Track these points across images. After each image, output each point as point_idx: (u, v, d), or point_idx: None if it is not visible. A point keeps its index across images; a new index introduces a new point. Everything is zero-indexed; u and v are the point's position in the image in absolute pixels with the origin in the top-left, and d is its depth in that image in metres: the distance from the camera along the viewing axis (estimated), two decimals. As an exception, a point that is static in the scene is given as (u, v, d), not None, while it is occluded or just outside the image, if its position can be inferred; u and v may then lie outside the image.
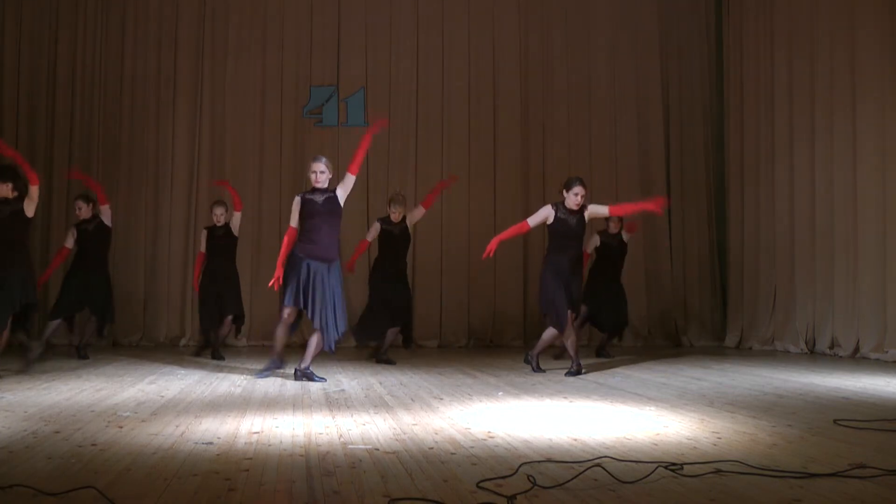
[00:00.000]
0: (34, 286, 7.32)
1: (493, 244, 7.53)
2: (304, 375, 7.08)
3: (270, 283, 7.09)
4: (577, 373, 7.49)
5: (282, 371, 7.47)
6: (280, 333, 7.24)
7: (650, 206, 7.87)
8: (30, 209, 7.13)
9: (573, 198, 7.49)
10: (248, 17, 11.66)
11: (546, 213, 7.60)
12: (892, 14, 9.12)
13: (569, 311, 7.48)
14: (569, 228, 7.52)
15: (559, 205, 7.57)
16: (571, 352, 7.64)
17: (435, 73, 11.81)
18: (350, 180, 7.15)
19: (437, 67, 11.82)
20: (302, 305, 7.00)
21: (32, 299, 7.17)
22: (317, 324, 6.98)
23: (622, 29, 12.06)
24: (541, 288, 7.63)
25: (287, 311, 7.08)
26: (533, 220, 7.66)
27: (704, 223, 12.05)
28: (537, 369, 7.77)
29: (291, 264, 7.02)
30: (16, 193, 7.10)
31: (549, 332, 7.66)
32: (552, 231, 7.62)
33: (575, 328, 7.69)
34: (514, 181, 11.75)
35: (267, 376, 7.26)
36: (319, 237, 7.02)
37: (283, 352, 7.45)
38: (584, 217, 7.58)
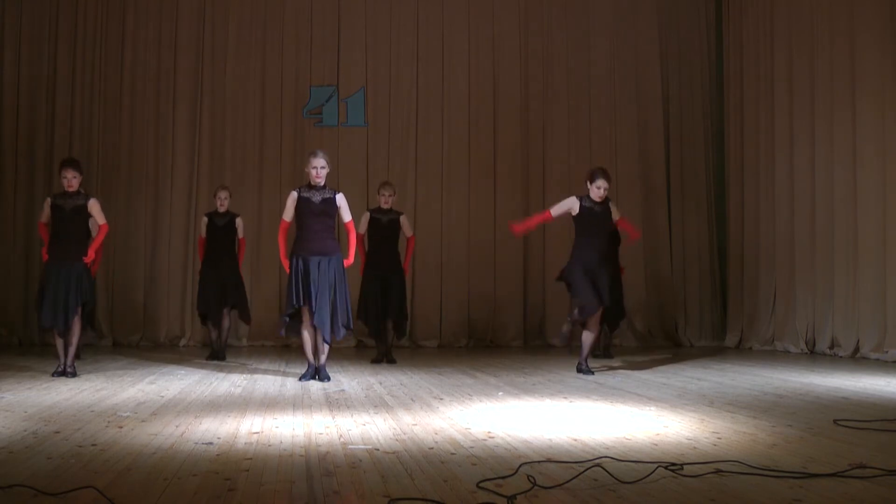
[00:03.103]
0: (92, 282, 7.57)
1: (516, 228, 7.89)
2: (318, 371, 7.11)
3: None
4: (586, 373, 7.46)
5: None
6: (305, 337, 7.11)
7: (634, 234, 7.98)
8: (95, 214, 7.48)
9: (596, 190, 7.48)
10: (248, 17, 11.65)
11: (570, 204, 7.57)
12: (892, 13, 9.12)
13: (598, 308, 7.40)
14: (595, 217, 7.48)
15: (584, 196, 7.55)
16: (585, 350, 7.66)
17: (435, 72, 11.80)
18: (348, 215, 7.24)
19: (438, 67, 11.81)
20: (303, 302, 6.97)
21: (89, 295, 7.42)
22: (315, 319, 6.95)
23: (622, 29, 12.05)
24: (571, 287, 7.53)
25: (305, 314, 7.01)
26: (556, 210, 7.63)
27: (704, 223, 12.05)
28: (587, 371, 7.65)
29: (291, 265, 7.02)
30: (81, 189, 7.44)
31: (587, 336, 7.61)
32: (578, 222, 7.56)
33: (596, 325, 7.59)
34: (514, 181, 11.75)
35: (308, 380, 7.08)
36: (313, 236, 7.02)
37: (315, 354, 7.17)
38: (609, 208, 7.58)
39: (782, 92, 10.78)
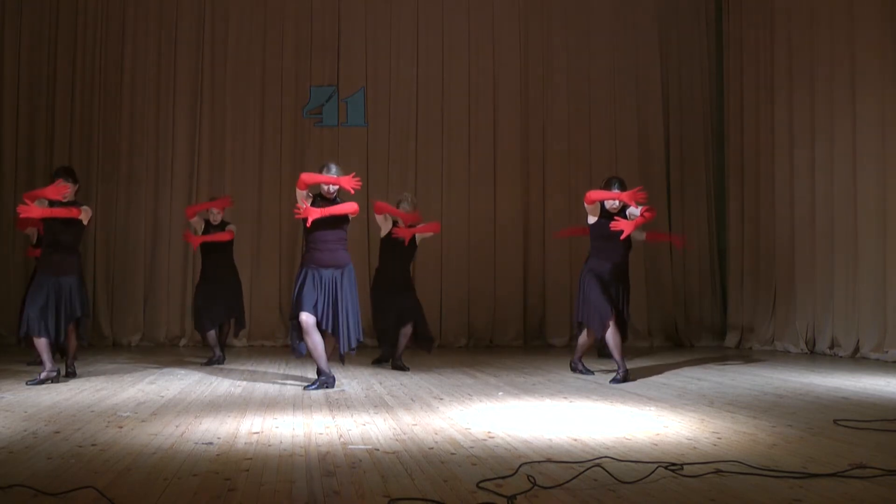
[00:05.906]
0: (86, 294, 7.25)
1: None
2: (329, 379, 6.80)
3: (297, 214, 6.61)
4: (625, 380, 6.96)
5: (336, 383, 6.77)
6: (314, 342, 6.53)
7: (676, 240, 7.37)
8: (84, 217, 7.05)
9: (608, 202, 7.05)
10: (248, 17, 11.65)
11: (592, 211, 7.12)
12: (892, 14, 9.12)
13: (611, 314, 6.98)
14: (610, 228, 6.93)
15: (602, 204, 7.09)
16: (580, 350, 7.64)
17: (435, 72, 11.80)
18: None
19: (438, 67, 11.81)
20: (316, 313, 6.52)
21: (84, 310, 7.08)
22: (330, 331, 6.59)
23: (622, 29, 12.04)
24: (579, 294, 7.22)
25: (303, 317, 6.49)
26: (590, 218, 7.19)
27: (704, 223, 12.04)
28: (586, 371, 7.65)
29: (301, 275, 6.63)
30: (75, 199, 7.06)
31: (584, 338, 7.49)
32: (594, 232, 7.18)
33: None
34: (514, 181, 11.74)
35: (316, 388, 6.56)
36: (326, 245, 6.62)
37: (328, 362, 6.69)
38: (626, 217, 7.01)
39: (782, 92, 10.78)
